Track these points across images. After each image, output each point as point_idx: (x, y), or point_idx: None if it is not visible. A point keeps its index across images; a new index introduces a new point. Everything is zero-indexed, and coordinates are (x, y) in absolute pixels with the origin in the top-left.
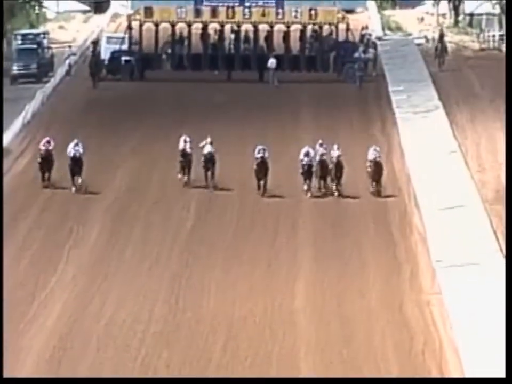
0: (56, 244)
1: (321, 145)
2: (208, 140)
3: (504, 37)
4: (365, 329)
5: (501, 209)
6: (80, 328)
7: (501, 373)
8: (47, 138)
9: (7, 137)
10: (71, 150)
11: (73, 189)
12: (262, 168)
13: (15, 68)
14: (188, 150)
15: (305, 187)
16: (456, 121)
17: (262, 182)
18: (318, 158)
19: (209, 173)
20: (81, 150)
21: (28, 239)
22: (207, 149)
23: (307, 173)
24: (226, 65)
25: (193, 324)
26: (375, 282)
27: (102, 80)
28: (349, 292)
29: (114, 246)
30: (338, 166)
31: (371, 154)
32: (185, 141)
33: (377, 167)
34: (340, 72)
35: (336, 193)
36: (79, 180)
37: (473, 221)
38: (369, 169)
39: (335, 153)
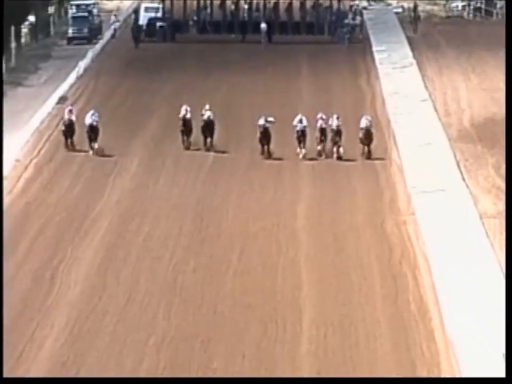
0: (104, 173)
1: (322, 118)
2: (207, 106)
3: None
4: (353, 243)
5: (463, 146)
6: (123, 242)
7: (464, 271)
8: (70, 108)
9: (64, 88)
10: (88, 118)
11: (91, 152)
12: (265, 136)
13: (70, 31)
14: (188, 116)
15: (298, 150)
16: (427, 74)
17: (265, 147)
18: (318, 126)
19: (208, 139)
20: (97, 119)
21: (81, 169)
22: (207, 114)
23: (300, 138)
24: (241, 30)
25: (215, 238)
26: (362, 205)
27: (141, 42)
28: (340, 213)
29: (150, 175)
30: (338, 133)
31: (363, 123)
32: (186, 110)
33: (368, 135)
34: (333, 35)
35: (335, 155)
36: (96, 145)
37: (441, 155)
38: (360, 135)
39: (334, 122)
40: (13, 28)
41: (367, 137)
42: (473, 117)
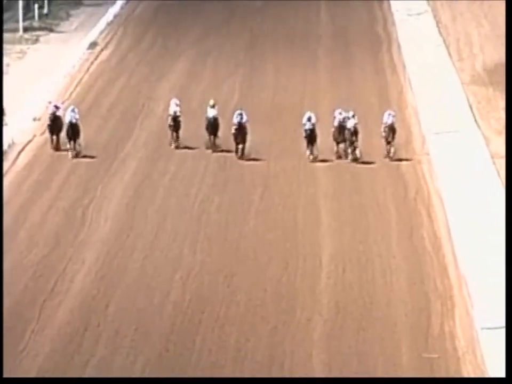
0: (131, 116)
1: (340, 113)
2: (211, 102)
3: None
4: (370, 182)
5: (476, 89)
6: (150, 182)
7: (476, 209)
8: (55, 103)
9: (94, 34)
10: (68, 115)
11: (70, 154)
12: (240, 133)
13: None
14: (178, 113)
15: (308, 152)
16: (441, 21)
17: (240, 146)
18: (336, 123)
19: (212, 137)
20: (77, 116)
21: (109, 112)
22: (211, 113)
23: (309, 137)
24: None
25: (238, 178)
26: (378, 146)
27: None
28: None
29: None
30: (355, 132)
31: (386, 118)
32: (176, 104)
33: (391, 131)
34: None
35: (350, 157)
36: (76, 144)
37: (454, 97)
38: (384, 133)
39: (351, 121)
40: None
41: (391, 135)
42: (485, 62)
